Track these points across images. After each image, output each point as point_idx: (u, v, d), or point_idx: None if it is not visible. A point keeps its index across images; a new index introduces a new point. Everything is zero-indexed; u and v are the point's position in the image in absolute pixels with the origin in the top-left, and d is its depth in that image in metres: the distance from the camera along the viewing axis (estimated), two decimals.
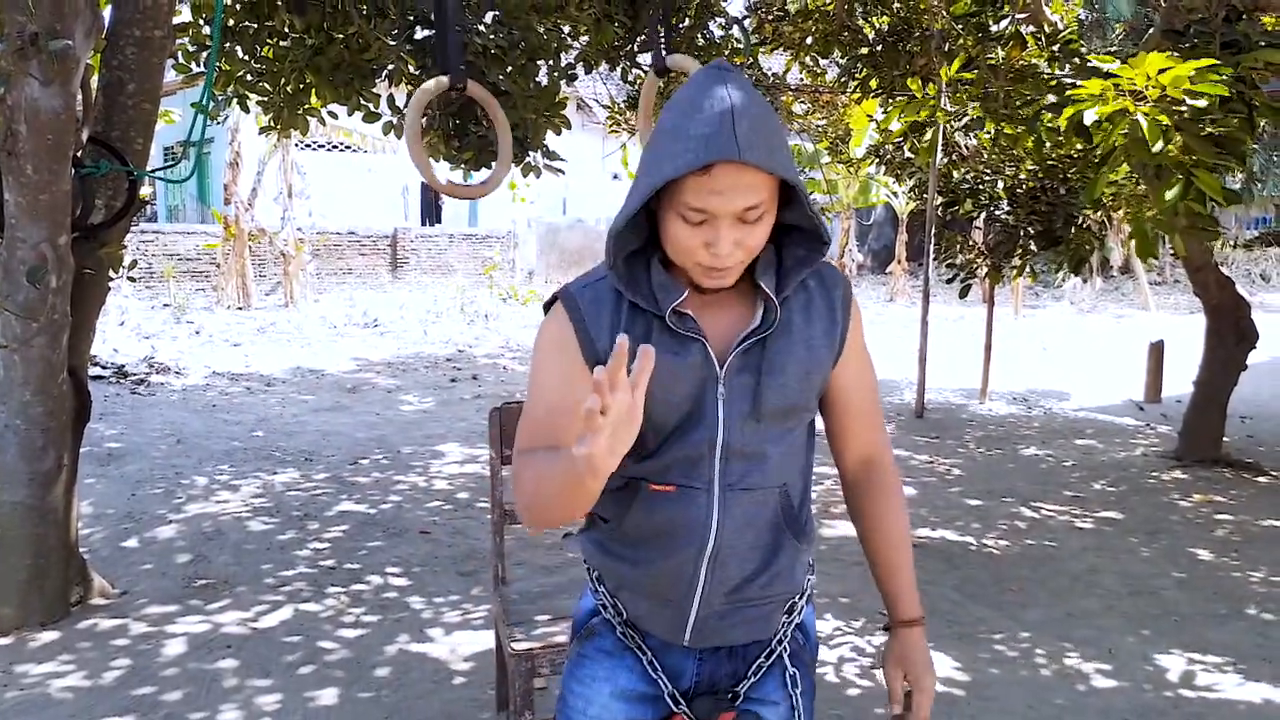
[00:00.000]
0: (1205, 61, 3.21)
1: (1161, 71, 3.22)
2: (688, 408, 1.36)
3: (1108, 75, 3.42)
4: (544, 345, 1.41)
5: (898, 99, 5.60)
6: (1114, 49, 5.64)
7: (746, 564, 1.40)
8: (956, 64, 4.97)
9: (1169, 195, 3.47)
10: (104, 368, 9.23)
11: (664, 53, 4.32)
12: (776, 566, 1.42)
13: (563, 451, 1.20)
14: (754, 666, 1.46)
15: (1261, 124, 3.72)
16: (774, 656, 1.46)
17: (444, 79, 3.78)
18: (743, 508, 1.38)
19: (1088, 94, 3.41)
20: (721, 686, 1.45)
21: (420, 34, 4.89)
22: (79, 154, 3.58)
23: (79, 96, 3.47)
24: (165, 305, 13.93)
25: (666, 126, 1.28)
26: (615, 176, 18.80)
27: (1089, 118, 3.38)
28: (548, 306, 1.43)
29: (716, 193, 1.24)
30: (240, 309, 14.53)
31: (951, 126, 7.03)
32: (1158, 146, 3.24)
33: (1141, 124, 3.25)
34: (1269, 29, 3.77)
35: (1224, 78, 3.26)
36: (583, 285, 1.41)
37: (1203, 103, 3.26)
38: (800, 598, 1.50)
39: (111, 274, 3.92)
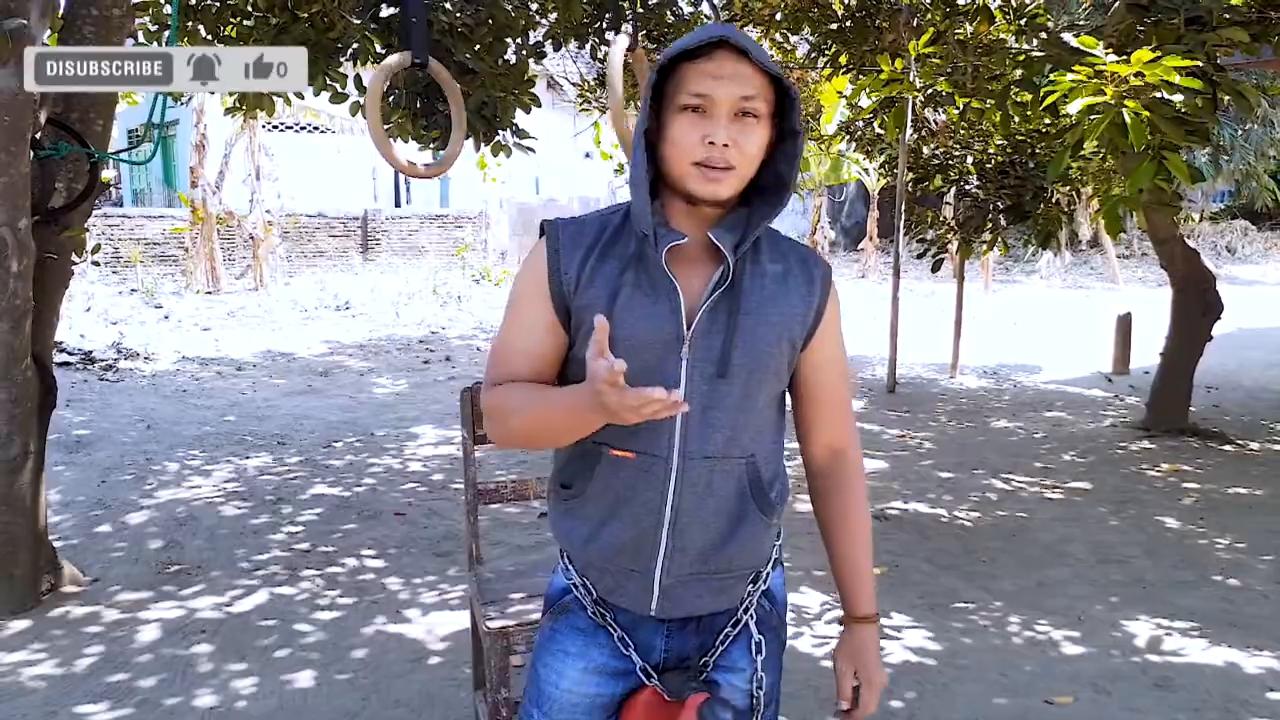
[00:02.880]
0: (1186, 62, 3.21)
1: (1150, 63, 3.22)
2: (651, 361, 1.36)
3: (1089, 60, 3.41)
4: (523, 269, 1.46)
5: (867, 74, 5.60)
6: (1079, 23, 5.67)
7: (710, 533, 1.41)
8: (924, 39, 4.97)
9: (1143, 178, 3.49)
10: (71, 354, 9.11)
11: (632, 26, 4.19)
12: (741, 538, 1.43)
13: (572, 389, 1.29)
14: (720, 635, 1.48)
15: (1225, 100, 3.75)
16: (740, 625, 1.49)
17: (406, 55, 3.68)
18: (704, 476, 1.39)
19: (1072, 82, 3.40)
20: (691, 659, 1.48)
21: (385, 12, 4.83)
22: (38, 136, 3.51)
23: None
24: (133, 290, 13.73)
25: (668, 49, 1.37)
26: (587, 155, 18.69)
27: (1074, 108, 3.38)
28: (541, 233, 1.49)
29: (718, 77, 1.31)
30: (209, 293, 14.35)
31: (920, 102, 7.05)
32: (1142, 143, 3.26)
33: (1126, 118, 3.26)
34: (1230, 3, 3.79)
35: (1198, 65, 3.28)
36: (570, 219, 1.47)
37: (1179, 97, 3.28)
38: (767, 565, 1.51)
39: (75, 258, 3.86)
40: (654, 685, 1.45)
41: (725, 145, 1.32)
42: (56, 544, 3.92)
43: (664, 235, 1.37)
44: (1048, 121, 6.16)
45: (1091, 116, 3.38)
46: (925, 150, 8.10)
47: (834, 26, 6.22)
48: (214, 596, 3.78)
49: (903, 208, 8.32)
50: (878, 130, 8.00)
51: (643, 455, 1.39)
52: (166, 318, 12.00)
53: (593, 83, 8.48)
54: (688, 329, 1.37)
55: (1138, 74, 3.26)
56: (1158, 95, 3.30)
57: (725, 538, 1.42)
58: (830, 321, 1.47)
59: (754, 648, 1.49)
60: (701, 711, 1.39)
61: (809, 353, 1.46)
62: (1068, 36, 4.21)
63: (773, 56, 8.81)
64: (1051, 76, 3.58)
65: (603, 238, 1.42)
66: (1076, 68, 3.42)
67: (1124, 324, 9.56)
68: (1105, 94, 3.33)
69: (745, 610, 1.49)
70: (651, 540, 1.40)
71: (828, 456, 1.54)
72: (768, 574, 1.51)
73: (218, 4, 4.64)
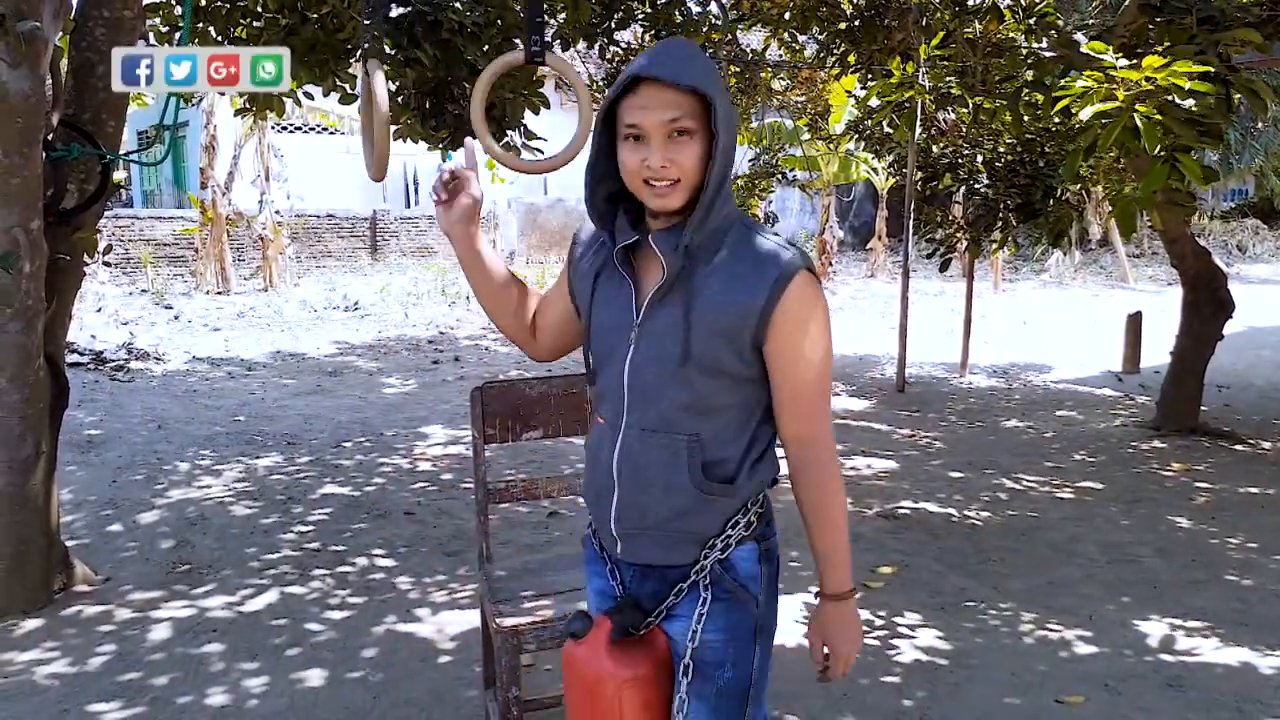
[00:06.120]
0: (1198, 67, 3.20)
1: (1161, 68, 3.21)
2: (612, 342, 1.62)
3: (1098, 64, 3.39)
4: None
5: (876, 74, 5.59)
6: (1089, 22, 5.65)
7: (646, 496, 1.60)
8: (935, 41, 4.96)
9: (1156, 180, 3.47)
10: (82, 354, 9.15)
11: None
12: (676, 507, 1.59)
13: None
14: (674, 590, 1.65)
15: (1237, 100, 3.73)
16: (690, 583, 1.64)
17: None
18: (639, 446, 1.59)
19: (1083, 88, 3.38)
20: (646, 602, 1.67)
21: (395, 12, 4.83)
22: (49, 137, 3.53)
23: (48, 79, 3.42)
24: (143, 291, 13.79)
25: (609, 94, 1.57)
26: None
27: (1086, 114, 3.36)
28: None
29: (643, 108, 1.50)
30: (219, 294, 14.39)
31: (930, 102, 7.03)
32: (1155, 146, 3.25)
33: (1139, 124, 3.25)
34: (1243, 3, 3.77)
35: (1212, 70, 3.25)
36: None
37: (1191, 102, 3.26)
38: (721, 539, 1.62)
39: (86, 259, 3.88)
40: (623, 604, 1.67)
41: (663, 166, 1.49)
42: (68, 543, 3.94)
43: (620, 235, 1.60)
44: (1057, 120, 6.14)
45: (1103, 122, 3.36)
46: (934, 149, 8.08)
47: (843, 26, 6.21)
48: (225, 596, 3.80)
49: (912, 207, 8.31)
50: (886, 129, 7.98)
51: (606, 423, 1.65)
52: (176, 318, 12.04)
53: (602, 83, 8.48)
54: (637, 316, 1.59)
55: (1149, 78, 3.24)
56: (1169, 98, 3.28)
57: (659, 503, 1.60)
58: (785, 322, 1.54)
59: (700, 603, 1.63)
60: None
61: (767, 348, 1.56)
62: (1079, 36, 4.19)
63: (781, 56, 8.83)
64: (1063, 81, 3.56)
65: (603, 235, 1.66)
66: (1087, 73, 3.40)
67: (1134, 323, 9.53)
68: (1117, 98, 3.31)
69: (698, 571, 1.63)
70: (607, 495, 1.65)
71: (795, 449, 1.63)
72: (727, 546, 1.63)
73: (228, 5, 4.65)
